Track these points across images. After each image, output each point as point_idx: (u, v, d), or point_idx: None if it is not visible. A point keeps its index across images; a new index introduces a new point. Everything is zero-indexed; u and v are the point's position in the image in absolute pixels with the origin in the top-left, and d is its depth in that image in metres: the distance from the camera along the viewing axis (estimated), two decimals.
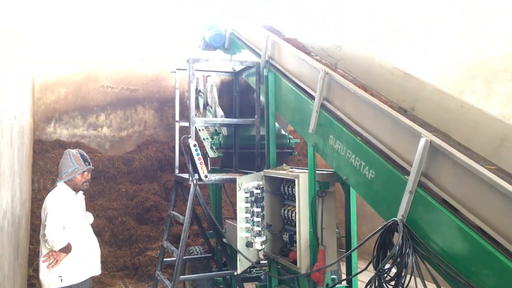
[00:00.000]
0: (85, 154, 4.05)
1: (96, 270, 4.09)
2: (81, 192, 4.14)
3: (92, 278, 6.87)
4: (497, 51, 6.02)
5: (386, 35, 7.87)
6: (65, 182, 3.94)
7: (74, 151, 4.01)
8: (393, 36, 7.72)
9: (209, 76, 6.66)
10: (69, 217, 3.83)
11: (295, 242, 3.96)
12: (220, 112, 5.98)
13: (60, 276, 3.77)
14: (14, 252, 4.55)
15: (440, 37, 6.88)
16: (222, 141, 5.78)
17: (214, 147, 5.84)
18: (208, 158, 6.18)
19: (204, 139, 6.45)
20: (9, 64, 4.34)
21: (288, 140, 5.92)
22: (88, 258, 3.96)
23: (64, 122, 9.19)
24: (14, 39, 4.69)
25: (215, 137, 5.93)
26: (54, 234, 3.66)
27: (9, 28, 4.32)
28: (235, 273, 4.56)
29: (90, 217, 4.19)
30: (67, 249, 3.77)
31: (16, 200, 4.81)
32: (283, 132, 6.05)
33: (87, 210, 4.24)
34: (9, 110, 4.26)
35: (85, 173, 3.97)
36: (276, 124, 5.55)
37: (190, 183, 4.74)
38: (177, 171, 5.61)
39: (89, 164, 4.01)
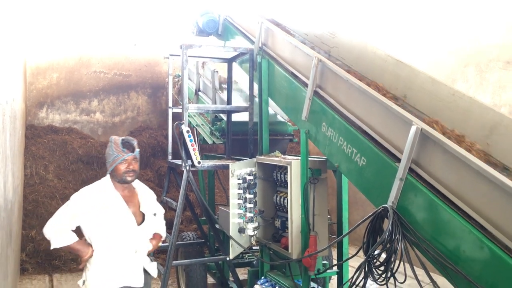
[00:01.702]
0: (130, 141, 3.40)
1: (132, 281, 3.32)
2: (142, 189, 3.57)
3: None
4: (491, 39, 6.04)
5: (380, 22, 7.87)
6: (110, 173, 3.38)
7: (116, 137, 3.41)
8: (387, 23, 7.72)
9: (206, 62, 6.62)
10: (88, 215, 3.22)
11: (287, 228, 4.00)
12: (224, 98, 5.95)
13: (84, 280, 3.31)
14: (7, 237, 4.56)
15: (435, 24, 6.89)
16: (225, 127, 5.74)
17: (217, 134, 5.79)
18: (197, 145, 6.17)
19: (197, 125, 6.44)
20: (0, 48, 4.30)
21: (287, 127, 5.90)
22: (118, 266, 3.27)
23: (56, 108, 9.14)
24: (5, 23, 4.64)
25: (217, 123, 5.87)
26: (48, 228, 3.19)
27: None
28: (228, 259, 4.60)
29: (147, 217, 3.45)
30: (82, 252, 3.23)
31: (8, 186, 4.80)
32: (282, 119, 6.03)
33: None
34: (1, 95, 4.23)
35: (127, 161, 3.32)
36: (272, 110, 5.55)
37: (183, 169, 4.75)
38: (170, 157, 5.61)
39: (133, 151, 3.35)
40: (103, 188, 3.34)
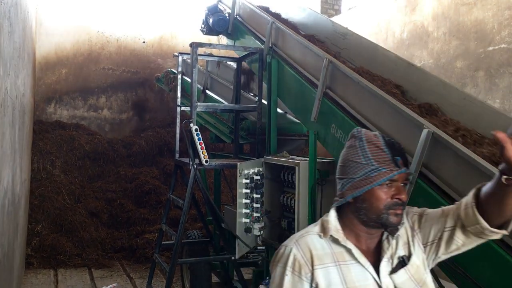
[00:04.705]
0: (397, 143, 1.66)
1: None
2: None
3: (90, 259, 7.04)
4: (501, 43, 6.00)
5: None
6: (349, 205, 1.65)
7: (370, 133, 1.67)
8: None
9: (225, 61, 6.58)
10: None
11: (293, 229, 3.98)
12: (250, 96, 5.89)
13: None
14: (14, 231, 4.58)
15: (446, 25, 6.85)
16: (251, 126, 5.60)
17: (242, 133, 5.67)
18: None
19: (206, 123, 6.41)
20: (11, 43, 4.32)
21: (302, 127, 5.82)
22: None
23: (64, 103, 9.18)
24: (14, 13, 4.67)
25: (242, 122, 5.79)
26: None
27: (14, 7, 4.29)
28: (233, 258, 4.59)
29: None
30: None
31: (16, 180, 4.82)
32: (295, 119, 5.97)
33: None
34: (11, 89, 4.25)
35: (395, 185, 1.60)
36: (280, 111, 5.51)
37: (190, 167, 4.75)
38: (177, 155, 5.61)
39: (406, 165, 1.62)
40: (322, 239, 1.65)
